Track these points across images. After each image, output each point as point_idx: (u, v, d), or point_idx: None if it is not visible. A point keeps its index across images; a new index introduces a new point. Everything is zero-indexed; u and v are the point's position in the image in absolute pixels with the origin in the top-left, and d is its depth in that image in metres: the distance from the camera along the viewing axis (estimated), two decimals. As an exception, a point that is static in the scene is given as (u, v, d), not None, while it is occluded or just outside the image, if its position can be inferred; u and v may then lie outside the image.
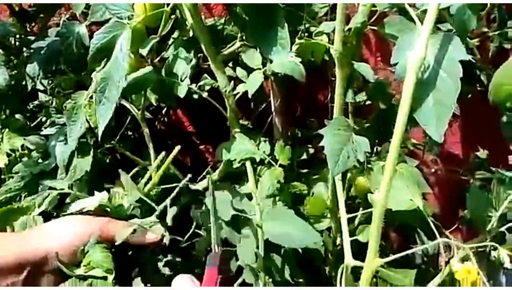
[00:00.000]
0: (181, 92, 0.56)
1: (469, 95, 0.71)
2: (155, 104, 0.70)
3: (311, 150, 0.79)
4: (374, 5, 0.48)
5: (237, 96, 0.56)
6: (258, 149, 0.57)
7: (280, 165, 0.62)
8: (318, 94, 0.79)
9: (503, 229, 0.55)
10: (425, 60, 0.36)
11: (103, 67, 0.50)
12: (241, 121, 0.66)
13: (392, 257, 0.37)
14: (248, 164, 0.57)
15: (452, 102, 0.36)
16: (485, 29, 0.66)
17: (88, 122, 0.59)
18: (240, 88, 0.53)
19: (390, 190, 0.36)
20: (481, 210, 0.49)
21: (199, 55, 0.65)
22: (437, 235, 0.38)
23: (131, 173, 0.66)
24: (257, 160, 0.60)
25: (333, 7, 0.56)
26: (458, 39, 0.37)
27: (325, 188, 0.66)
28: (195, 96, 0.78)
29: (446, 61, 0.37)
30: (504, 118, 0.63)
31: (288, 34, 0.50)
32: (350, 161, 0.46)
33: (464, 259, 0.38)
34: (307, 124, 0.76)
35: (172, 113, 0.90)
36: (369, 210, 0.44)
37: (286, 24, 0.51)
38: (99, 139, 0.55)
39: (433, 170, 0.73)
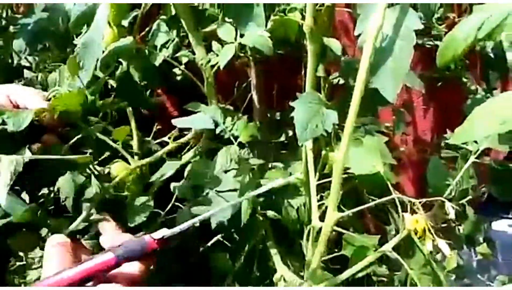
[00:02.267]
0: (157, 61, 0.58)
1: (439, 83, 0.75)
2: (138, 82, 0.72)
3: (290, 133, 0.82)
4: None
5: (214, 69, 0.58)
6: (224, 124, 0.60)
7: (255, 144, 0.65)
8: (295, 75, 0.82)
9: (463, 201, 0.58)
10: (382, 30, 0.39)
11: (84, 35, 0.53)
12: (220, 104, 0.69)
13: (348, 211, 0.40)
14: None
15: (407, 65, 0.39)
16: (453, 16, 0.70)
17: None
18: (216, 60, 0.56)
19: (349, 151, 0.38)
20: (439, 179, 0.52)
21: (181, 34, 0.67)
22: (392, 193, 0.41)
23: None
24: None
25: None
26: (413, 11, 0.40)
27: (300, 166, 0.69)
28: (178, 77, 0.81)
29: (402, 30, 0.40)
30: (468, 101, 0.67)
31: (263, 12, 0.53)
32: (318, 130, 0.49)
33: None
34: (284, 107, 0.79)
35: (156, 97, 0.92)
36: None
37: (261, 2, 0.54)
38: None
39: (402, 149, 0.76)
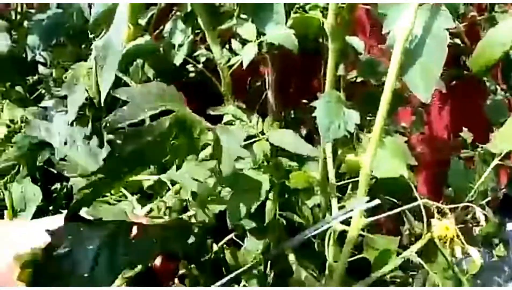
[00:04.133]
0: (177, 60, 0.58)
1: (454, 81, 0.74)
2: (152, 79, 0.72)
3: (304, 131, 0.81)
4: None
5: (232, 69, 0.57)
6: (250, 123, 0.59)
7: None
8: (313, 76, 0.81)
9: (483, 202, 0.57)
10: (412, 30, 0.38)
11: (103, 36, 0.52)
12: (237, 103, 0.69)
13: (376, 217, 0.39)
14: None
15: (439, 66, 0.38)
16: (474, 13, 0.69)
17: (88, 93, 0.60)
18: (235, 60, 0.55)
19: (375, 153, 0.38)
20: (461, 181, 0.52)
21: (196, 31, 0.66)
22: (418, 198, 0.40)
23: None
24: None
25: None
26: (446, 10, 0.39)
27: (316, 166, 0.69)
28: (192, 75, 0.80)
29: (433, 30, 0.39)
30: (488, 102, 0.66)
31: (283, 9, 0.52)
32: (341, 131, 0.49)
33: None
34: (300, 104, 0.78)
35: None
36: (357, 179, 0.46)
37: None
38: (101, 104, 0.56)
39: (419, 149, 0.75)
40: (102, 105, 0.56)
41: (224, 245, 0.66)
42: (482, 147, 0.59)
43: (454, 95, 0.78)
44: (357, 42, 0.52)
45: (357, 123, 0.51)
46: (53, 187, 0.85)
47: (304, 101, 0.81)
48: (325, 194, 0.65)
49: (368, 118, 0.64)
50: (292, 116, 0.83)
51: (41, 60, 0.75)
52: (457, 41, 0.69)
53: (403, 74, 0.38)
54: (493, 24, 0.68)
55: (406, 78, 0.38)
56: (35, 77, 0.76)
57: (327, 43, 0.50)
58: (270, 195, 0.60)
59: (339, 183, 0.57)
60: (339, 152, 0.67)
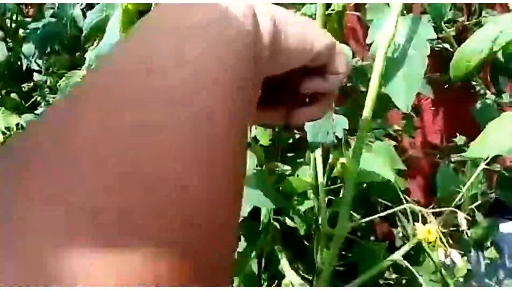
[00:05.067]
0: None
1: (446, 85, 0.75)
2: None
3: (298, 135, 0.82)
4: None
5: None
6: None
7: (263, 147, 0.65)
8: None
9: (472, 206, 0.58)
10: (394, 39, 0.39)
11: (96, 46, 0.53)
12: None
13: (359, 221, 0.40)
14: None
15: (420, 76, 0.39)
16: (462, 19, 0.70)
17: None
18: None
19: (360, 158, 0.38)
20: (449, 184, 0.52)
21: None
22: (404, 201, 0.41)
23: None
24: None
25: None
26: (426, 20, 0.40)
27: (309, 170, 0.69)
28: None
29: (415, 39, 0.40)
30: (478, 105, 0.67)
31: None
32: (329, 136, 0.50)
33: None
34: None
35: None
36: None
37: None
38: None
39: (410, 152, 0.76)
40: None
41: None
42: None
43: (445, 99, 0.79)
44: (345, 51, 0.53)
45: (345, 128, 0.52)
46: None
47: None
48: (317, 197, 0.66)
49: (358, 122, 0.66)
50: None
51: (36, 67, 0.76)
52: (447, 46, 0.70)
53: (385, 83, 0.39)
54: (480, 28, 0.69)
55: (388, 88, 0.39)
56: (31, 85, 0.77)
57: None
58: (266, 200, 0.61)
59: (331, 188, 0.58)
60: (331, 156, 0.68)
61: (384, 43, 0.38)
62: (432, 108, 0.86)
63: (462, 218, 0.37)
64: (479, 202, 0.59)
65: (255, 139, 0.64)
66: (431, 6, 0.55)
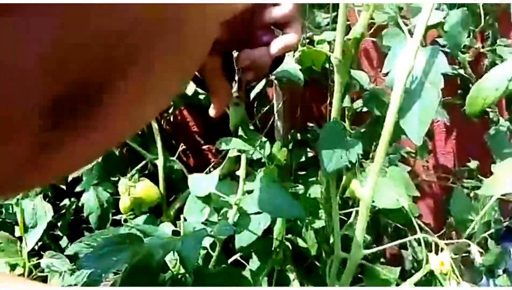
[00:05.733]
0: (190, 90, 0.60)
1: (463, 108, 0.75)
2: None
3: (310, 154, 0.83)
4: (372, 18, 0.52)
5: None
6: (258, 148, 0.61)
7: (277, 166, 0.66)
8: (318, 101, 0.83)
9: (485, 234, 0.58)
10: (412, 72, 0.40)
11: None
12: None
13: (374, 249, 0.40)
14: (243, 157, 0.61)
15: (434, 109, 0.40)
16: (479, 45, 0.70)
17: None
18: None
19: (376, 186, 0.39)
20: (463, 213, 0.52)
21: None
22: (418, 230, 0.41)
23: (139, 166, 0.70)
24: (255, 159, 0.64)
25: (335, 17, 0.61)
26: (442, 54, 0.41)
27: (321, 189, 0.70)
28: (201, 97, 0.82)
29: (431, 73, 0.40)
30: (491, 131, 0.67)
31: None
32: (343, 161, 0.50)
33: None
34: (307, 128, 0.80)
35: (178, 113, 0.94)
36: (359, 208, 0.47)
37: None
38: None
39: (423, 176, 0.76)
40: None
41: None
42: (487, 177, 0.59)
43: (457, 122, 0.79)
44: (362, 76, 0.54)
45: (360, 153, 0.53)
46: (62, 203, 0.88)
47: (311, 124, 0.83)
48: (329, 217, 0.66)
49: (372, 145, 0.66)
50: (299, 138, 0.85)
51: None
52: (461, 71, 0.70)
53: (400, 115, 0.40)
54: (495, 56, 0.69)
55: (402, 121, 0.39)
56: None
57: (333, 76, 0.52)
58: (279, 220, 0.62)
59: (345, 211, 0.58)
60: (344, 177, 0.69)
61: (403, 75, 0.39)
62: (444, 130, 0.86)
63: (475, 251, 0.38)
64: (492, 230, 0.59)
65: (269, 158, 0.65)
66: (448, 35, 0.56)
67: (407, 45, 0.40)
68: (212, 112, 0.35)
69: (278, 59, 0.32)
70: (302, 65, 0.55)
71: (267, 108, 0.76)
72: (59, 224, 0.86)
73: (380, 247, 0.42)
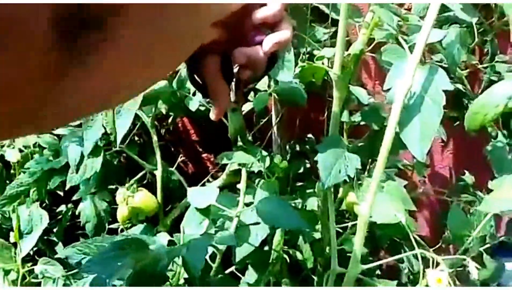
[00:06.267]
0: (193, 106, 0.60)
1: (458, 122, 0.76)
2: (164, 113, 0.75)
3: (308, 165, 0.83)
4: (372, 34, 0.53)
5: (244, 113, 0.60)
6: (258, 161, 0.61)
7: (277, 178, 0.66)
8: (316, 113, 0.83)
9: (481, 249, 0.58)
10: (411, 88, 0.41)
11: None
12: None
13: (372, 264, 0.41)
14: (244, 170, 0.61)
15: (435, 125, 0.40)
16: (476, 62, 0.71)
17: (105, 128, 0.63)
18: (246, 107, 0.58)
19: (374, 202, 0.39)
20: (460, 229, 0.53)
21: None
22: (415, 246, 0.41)
23: (138, 176, 0.70)
24: (255, 171, 0.64)
25: (334, 33, 0.61)
26: (442, 70, 0.41)
27: (318, 202, 0.70)
28: (202, 108, 0.83)
29: (431, 89, 0.41)
30: (489, 147, 0.68)
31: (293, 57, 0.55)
32: (341, 175, 0.50)
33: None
34: (304, 140, 0.81)
35: (178, 121, 0.95)
36: (356, 222, 0.48)
37: (292, 47, 0.56)
38: (117, 145, 0.59)
39: (421, 190, 0.77)
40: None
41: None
42: (482, 192, 0.60)
43: (456, 137, 0.80)
44: (360, 92, 0.54)
45: (358, 167, 0.53)
46: (58, 209, 0.88)
47: (309, 135, 0.83)
48: (326, 230, 0.67)
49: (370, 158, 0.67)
50: (297, 149, 0.85)
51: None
52: (459, 86, 0.71)
53: (400, 128, 0.40)
54: (492, 72, 0.70)
55: (403, 134, 0.40)
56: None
57: (331, 90, 0.53)
58: (278, 230, 0.62)
59: (340, 226, 0.58)
60: (340, 190, 0.69)
61: (401, 94, 0.40)
62: (441, 143, 0.87)
63: (472, 266, 0.38)
64: (487, 245, 0.59)
65: (270, 170, 0.65)
66: (447, 52, 0.56)
67: (407, 62, 0.41)
68: (212, 115, 0.35)
69: (273, 59, 0.32)
70: (302, 80, 0.56)
71: (265, 119, 0.76)
72: (54, 230, 0.86)
73: (378, 263, 0.42)
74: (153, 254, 0.39)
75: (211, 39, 0.27)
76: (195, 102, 0.61)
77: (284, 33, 0.30)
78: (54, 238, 0.85)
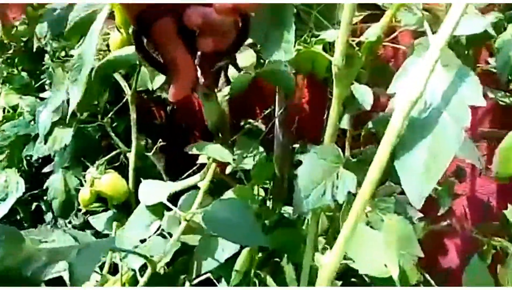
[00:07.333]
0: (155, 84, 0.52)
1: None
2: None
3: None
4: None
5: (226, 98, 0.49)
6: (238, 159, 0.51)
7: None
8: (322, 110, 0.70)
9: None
10: (423, 97, 0.28)
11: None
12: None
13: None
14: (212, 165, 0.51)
15: (450, 156, 0.27)
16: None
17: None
18: (226, 91, 0.47)
19: (342, 254, 0.28)
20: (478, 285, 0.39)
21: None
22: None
23: (109, 156, 0.62)
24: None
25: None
26: (475, 78, 0.28)
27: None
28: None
29: (454, 102, 0.28)
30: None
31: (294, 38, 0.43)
32: (324, 199, 0.39)
33: None
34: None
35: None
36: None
37: (294, 26, 0.44)
38: (77, 114, 0.52)
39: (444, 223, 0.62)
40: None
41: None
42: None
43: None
44: (364, 93, 0.41)
45: (353, 190, 0.40)
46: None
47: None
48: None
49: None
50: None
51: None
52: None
53: (398, 153, 0.28)
54: None
55: (399, 165, 0.27)
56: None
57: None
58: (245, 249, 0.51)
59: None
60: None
61: (407, 103, 0.27)
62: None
63: None
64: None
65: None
66: (500, 54, 0.42)
67: (422, 59, 0.28)
68: (170, 95, 0.30)
69: (243, 29, 0.29)
70: (299, 68, 0.44)
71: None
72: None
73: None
74: (27, 251, 0.29)
75: None
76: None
77: None
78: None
